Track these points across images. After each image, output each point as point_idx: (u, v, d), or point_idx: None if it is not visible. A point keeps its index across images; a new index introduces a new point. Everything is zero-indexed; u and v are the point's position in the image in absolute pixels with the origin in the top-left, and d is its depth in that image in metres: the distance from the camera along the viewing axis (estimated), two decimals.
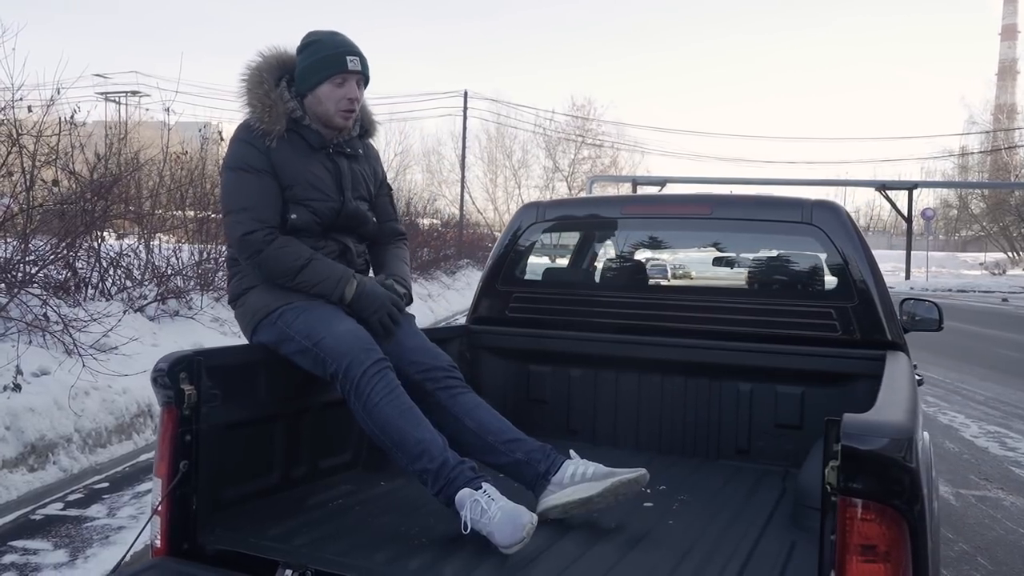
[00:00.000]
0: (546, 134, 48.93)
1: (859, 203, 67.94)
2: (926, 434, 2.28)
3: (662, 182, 34.54)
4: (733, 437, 2.94)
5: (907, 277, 34.70)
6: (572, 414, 3.21)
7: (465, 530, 1.95)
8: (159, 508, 1.94)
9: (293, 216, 2.34)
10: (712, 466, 2.86)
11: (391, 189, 2.75)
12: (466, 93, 40.63)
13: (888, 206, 37.78)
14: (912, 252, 36.40)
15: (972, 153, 54.86)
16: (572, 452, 2.28)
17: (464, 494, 1.99)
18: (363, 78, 2.43)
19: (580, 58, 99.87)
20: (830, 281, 2.91)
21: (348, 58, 2.38)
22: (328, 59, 2.37)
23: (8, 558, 3.55)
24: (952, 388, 8.90)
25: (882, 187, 36.25)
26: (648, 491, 2.52)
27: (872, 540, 1.34)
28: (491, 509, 1.93)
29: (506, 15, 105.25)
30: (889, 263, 43.97)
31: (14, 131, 5.60)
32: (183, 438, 1.97)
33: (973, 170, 54.50)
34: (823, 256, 2.91)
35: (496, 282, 3.36)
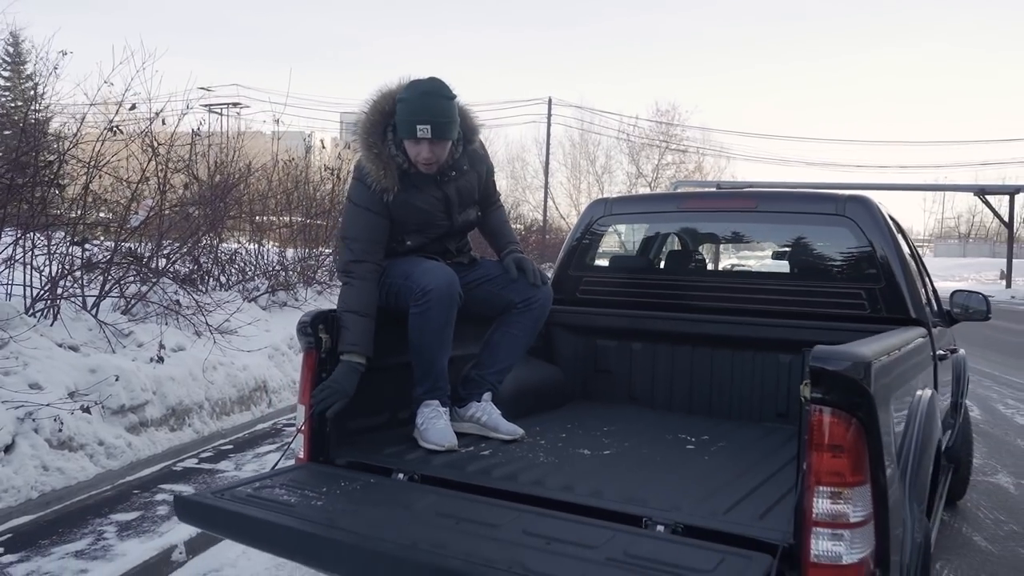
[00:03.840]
0: (630, 140, 49.10)
1: (960, 209, 65.12)
2: (927, 391, 2.67)
3: (746, 188, 34.19)
4: (773, 402, 3.35)
5: (1008, 285, 33.29)
6: (633, 383, 3.68)
7: (418, 423, 2.75)
8: (303, 428, 2.53)
9: (408, 243, 2.87)
10: (755, 426, 3.28)
11: (492, 171, 3.11)
12: (550, 100, 41.28)
13: (992, 213, 36.24)
14: (1015, 260, 34.94)
15: None
16: (486, 397, 2.91)
17: (427, 403, 2.79)
18: (438, 139, 2.68)
19: (665, 65, 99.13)
20: (860, 266, 3.29)
21: (418, 127, 2.64)
22: (404, 124, 2.68)
23: (160, 496, 4.26)
24: None
25: (981, 192, 34.83)
26: (692, 440, 2.98)
27: (836, 440, 1.78)
28: (433, 419, 2.74)
29: (590, 23, 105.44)
30: (992, 271, 42.25)
31: (153, 142, 6.44)
32: (320, 375, 2.55)
33: None
34: (855, 244, 3.29)
35: (569, 268, 3.87)
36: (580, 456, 2.66)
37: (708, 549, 1.79)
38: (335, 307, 2.71)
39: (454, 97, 2.75)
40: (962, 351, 4.73)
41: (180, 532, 3.77)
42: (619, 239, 3.73)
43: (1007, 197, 33.72)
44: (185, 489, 4.39)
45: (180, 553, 3.60)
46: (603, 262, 4.05)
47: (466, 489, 2.25)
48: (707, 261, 4.09)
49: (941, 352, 3.31)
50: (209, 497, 2.09)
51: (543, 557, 1.72)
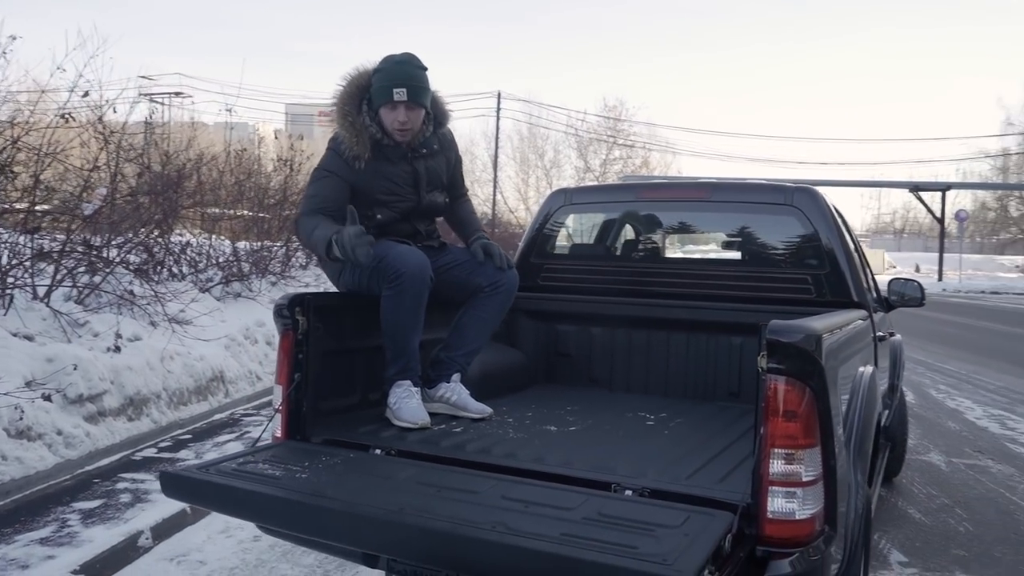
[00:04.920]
0: (578, 134, 49.48)
1: (895, 205, 67.38)
2: (869, 368, 2.87)
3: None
4: (726, 382, 3.52)
5: (940, 279, 34.65)
6: (593, 365, 3.82)
7: (391, 403, 2.81)
8: (280, 408, 2.60)
9: (379, 216, 2.96)
10: (707, 405, 3.45)
11: (460, 161, 3.28)
12: (499, 94, 41.40)
13: (924, 208, 37.66)
14: (946, 254, 36.39)
15: (1010, 154, 54.26)
16: (455, 378, 2.99)
17: (399, 383, 2.85)
18: (413, 103, 2.86)
19: (612, 60, 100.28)
20: (807, 253, 3.49)
21: (395, 90, 2.83)
22: (381, 90, 2.86)
23: (121, 485, 4.26)
24: (966, 378, 9.31)
25: (915, 188, 36.19)
26: (651, 417, 3.13)
27: (790, 406, 1.94)
28: (406, 399, 2.81)
29: (539, 17, 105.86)
30: (923, 265, 43.91)
31: (105, 131, 6.35)
32: (297, 356, 2.62)
33: (1012, 172, 53.91)
34: (802, 232, 3.48)
35: (530, 256, 3.99)
36: (547, 432, 2.78)
37: (674, 509, 1.93)
38: (308, 291, 2.79)
39: (427, 68, 2.93)
40: (898, 336, 5.01)
41: (145, 518, 3.79)
42: (567, 232, 3.86)
43: (939, 194, 35.09)
44: (147, 478, 4.40)
45: (146, 539, 3.63)
46: (564, 250, 4.18)
47: (442, 462, 2.36)
48: (663, 249, 4.26)
49: (880, 334, 3.52)
50: (196, 472, 2.15)
51: (523, 518, 1.84)
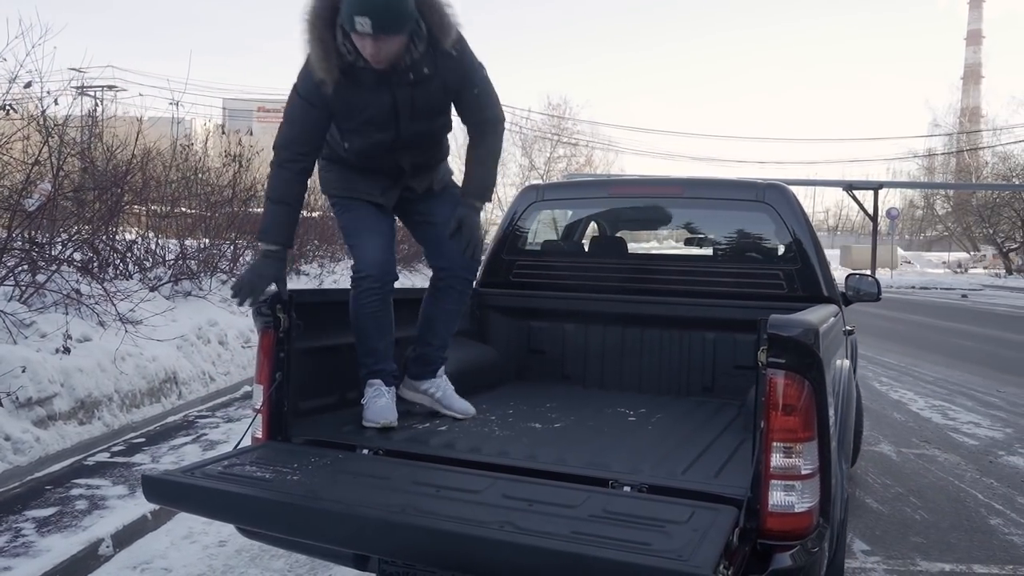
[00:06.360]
0: (522, 132, 49.63)
1: (828, 203, 69.44)
2: (846, 362, 2.93)
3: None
4: (700, 377, 3.56)
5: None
6: (566, 362, 3.82)
7: (363, 402, 2.75)
8: (261, 408, 2.52)
9: (346, 145, 2.63)
10: (683, 400, 3.48)
11: (473, 83, 2.66)
12: None
13: (856, 206, 38.83)
14: (878, 251, 37.57)
15: (935, 155, 56.47)
16: (440, 372, 2.96)
17: (371, 382, 2.78)
18: (380, 34, 2.32)
19: (556, 59, 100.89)
20: (779, 249, 3.54)
21: (356, 19, 2.29)
22: (344, 16, 2.34)
23: (76, 491, 4.09)
24: (905, 371, 9.61)
25: (849, 187, 37.20)
26: (631, 413, 3.14)
27: (789, 400, 1.96)
28: (375, 398, 2.73)
29: (482, 16, 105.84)
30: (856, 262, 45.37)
31: (47, 124, 6.07)
32: (278, 355, 2.54)
33: (938, 171, 56.09)
34: (773, 228, 3.54)
35: (502, 252, 3.96)
36: (533, 429, 2.77)
37: (677, 504, 1.94)
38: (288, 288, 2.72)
39: None
40: (854, 331, 5.14)
41: (105, 525, 3.65)
42: (538, 228, 3.78)
43: (871, 192, 36.18)
44: (103, 483, 4.23)
45: (107, 546, 3.50)
46: (535, 247, 4.17)
47: (434, 461, 2.32)
48: (636, 245, 4.29)
49: (848, 328, 3.61)
50: (179, 475, 2.07)
51: (530, 517, 1.82)
